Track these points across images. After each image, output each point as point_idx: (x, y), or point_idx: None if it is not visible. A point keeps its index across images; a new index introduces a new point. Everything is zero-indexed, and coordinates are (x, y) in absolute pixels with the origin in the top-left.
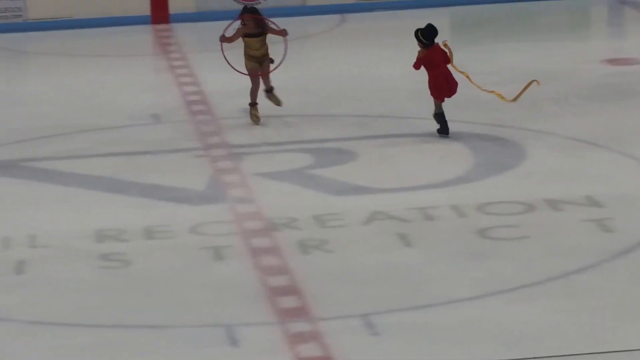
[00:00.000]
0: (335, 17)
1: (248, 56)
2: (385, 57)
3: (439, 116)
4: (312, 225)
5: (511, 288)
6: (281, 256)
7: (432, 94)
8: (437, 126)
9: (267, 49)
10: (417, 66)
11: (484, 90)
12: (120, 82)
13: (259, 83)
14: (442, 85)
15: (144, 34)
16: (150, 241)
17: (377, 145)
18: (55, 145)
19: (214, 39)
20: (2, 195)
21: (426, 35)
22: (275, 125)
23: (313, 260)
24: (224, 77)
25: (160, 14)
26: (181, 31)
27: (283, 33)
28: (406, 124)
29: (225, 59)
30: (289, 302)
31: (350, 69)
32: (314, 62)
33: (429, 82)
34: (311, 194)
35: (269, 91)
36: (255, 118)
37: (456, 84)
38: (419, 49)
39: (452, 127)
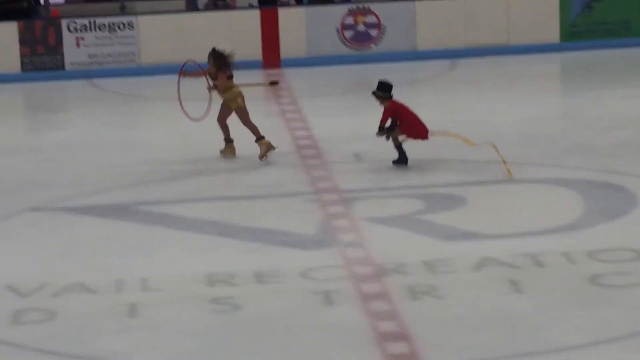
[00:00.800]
0: (446, 62)
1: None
2: (496, 103)
3: (400, 147)
4: (422, 270)
5: (623, 336)
6: (391, 301)
7: (414, 136)
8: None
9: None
10: (384, 120)
11: (452, 135)
12: (232, 126)
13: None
14: (417, 122)
15: (255, 78)
16: (260, 285)
17: (488, 191)
18: (167, 189)
19: (324, 84)
20: (115, 239)
21: (384, 88)
22: (386, 170)
23: (423, 305)
24: (334, 121)
25: (271, 58)
26: (292, 75)
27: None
28: (518, 170)
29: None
30: (398, 347)
31: (460, 114)
32: (423, 107)
33: (404, 129)
34: (421, 239)
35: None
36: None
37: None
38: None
39: (562, 174)
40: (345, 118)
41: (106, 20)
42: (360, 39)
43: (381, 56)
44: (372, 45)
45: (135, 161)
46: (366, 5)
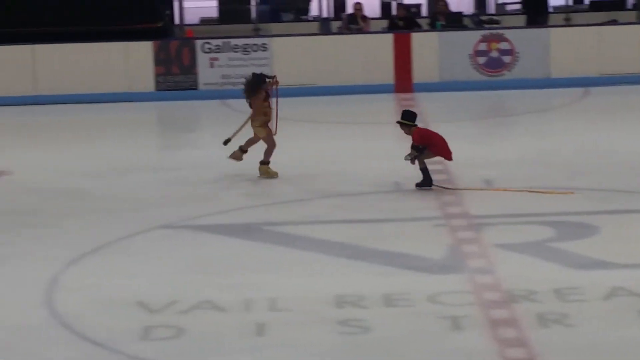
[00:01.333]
0: (579, 90)
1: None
2: (630, 132)
3: (425, 170)
4: (552, 298)
5: None
6: (520, 328)
7: (446, 156)
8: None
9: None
10: (422, 140)
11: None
12: (363, 149)
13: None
14: (445, 144)
15: (387, 103)
16: (389, 308)
17: (620, 220)
18: (297, 210)
19: (456, 109)
20: (244, 258)
21: (409, 118)
22: (517, 196)
23: (552, 333)
24: (465, 147)
25: (404, 83)
26: (424, 100)
27: None
28: None
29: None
30: None
31: (593, 142)
32: (556, 135)
33: (436, 150)
34: (551, 266)
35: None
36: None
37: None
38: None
39: None
40: (476, 144)
41: (240, 42)
42: (493, 66)
43: (514, 83)
44: (505, 72)
45: (266, 181)
46: (500, 31)
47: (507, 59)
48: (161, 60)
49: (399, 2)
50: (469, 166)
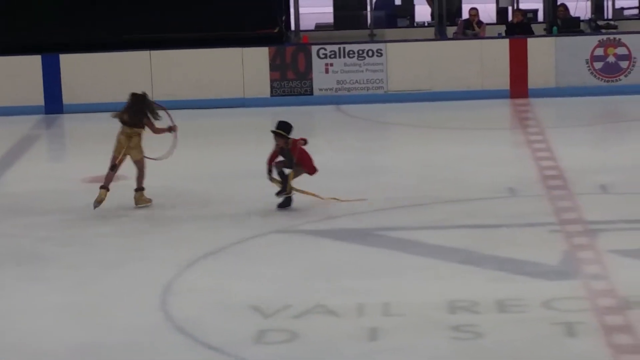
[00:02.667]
0: None
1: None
2: None
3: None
4: None
5: None
6: (635, 335)
7: (311, 171)
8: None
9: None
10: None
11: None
12: (478, 155)
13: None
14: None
15: (503, 108)
16: (502, 314)
17: None
18: (411, 216)
19: (572, 115)
20: (358, 262)
21: (287, 129)
22: (633, 202)
23: None
24: (581, 152)
25: (519, 88)
26: (540, 106)
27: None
28: None
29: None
30: None
31: None
32: None
33: (306, 164)
34: None
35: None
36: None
37: None
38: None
39: None
40: (592, 149)
41: (355, 47)
42: (610, 71)
43: (630, 88)
44: (622, 77)
45: (380, 186)
46: (617, 36)
47: (624, 64)
48: (276, 66)
49: (516, 7)
50: (584, 172)
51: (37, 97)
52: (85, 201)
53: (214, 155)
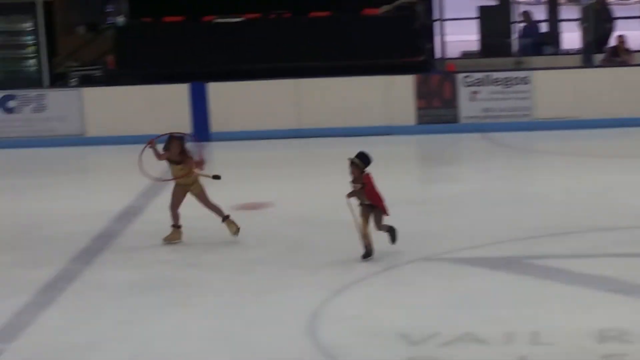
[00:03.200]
0: None
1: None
2: None
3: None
4: None
5: None
6: None
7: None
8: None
9: (193, 178)
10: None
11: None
12: (627, 183)
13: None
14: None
15: None
16: None
17: None
18: (559, 244)
19: None
20: (505, 291)
21: (365, 161)
22: None
23: None
24: None
25: None
26: None
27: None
28: None
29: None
30: None
31: None
32: None
33: (379, 203)
34: None
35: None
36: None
37: None
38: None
39: None
40: None
41: (501, 75)
42: None
43: None
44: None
45: (527, 214)
46: None
47: None
48: (422, 94)
49: None
50: None
51: (185, 125)
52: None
53: None
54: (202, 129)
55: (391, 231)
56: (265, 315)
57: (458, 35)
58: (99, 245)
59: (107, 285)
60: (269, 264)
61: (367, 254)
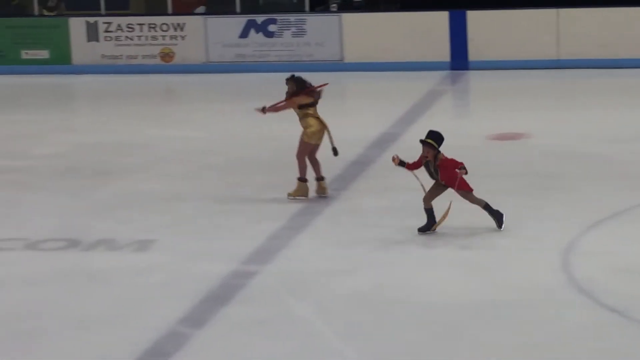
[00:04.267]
0: None
1: None
2: None
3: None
4: None
5: None
6: None
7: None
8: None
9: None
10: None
11: None
12: None
13: None
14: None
15: None
16: None
17: None
18: None
19: None
20: None
21: (439, 140)
22: None
23: None
24: None
25: None
26: None
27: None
28: None
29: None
30: None
31: None
32: None
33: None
34: None
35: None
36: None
37: None
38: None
39: None
40: None
41: None
42: None
43: None
44: None
45: None
46: None
47: None
48: None
49: None
50: None
51: (444, 54)
52: (490, 158)
53: (621, 116)
54: (460, 57)
55: (497, 216)
56: (515, 247)
57: None
58: (354, 172)
59: (361, 212)
60: (523, 196)
61: (426, 227)
